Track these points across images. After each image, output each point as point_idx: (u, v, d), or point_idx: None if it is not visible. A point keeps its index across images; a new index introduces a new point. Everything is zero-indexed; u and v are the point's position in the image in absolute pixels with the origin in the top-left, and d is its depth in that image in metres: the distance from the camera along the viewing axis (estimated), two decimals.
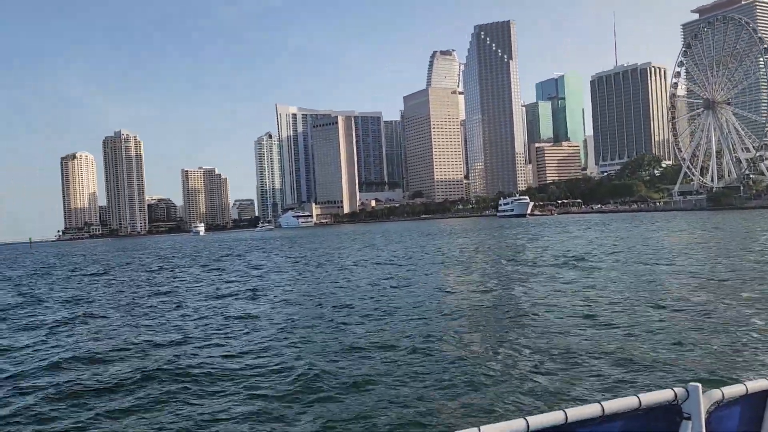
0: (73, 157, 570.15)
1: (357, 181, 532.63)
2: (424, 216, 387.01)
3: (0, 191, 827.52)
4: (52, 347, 19.66)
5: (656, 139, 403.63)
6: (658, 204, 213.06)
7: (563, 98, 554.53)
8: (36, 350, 19.26)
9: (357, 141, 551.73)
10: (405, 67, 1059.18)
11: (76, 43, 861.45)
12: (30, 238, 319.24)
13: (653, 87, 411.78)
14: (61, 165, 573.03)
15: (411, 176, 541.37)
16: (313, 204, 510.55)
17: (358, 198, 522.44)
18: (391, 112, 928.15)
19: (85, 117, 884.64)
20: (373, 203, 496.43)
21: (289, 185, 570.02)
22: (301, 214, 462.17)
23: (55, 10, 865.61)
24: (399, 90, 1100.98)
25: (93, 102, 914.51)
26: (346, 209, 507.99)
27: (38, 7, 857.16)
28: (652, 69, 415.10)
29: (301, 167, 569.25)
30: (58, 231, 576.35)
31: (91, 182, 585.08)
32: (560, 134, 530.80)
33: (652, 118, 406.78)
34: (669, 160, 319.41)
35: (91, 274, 58.74)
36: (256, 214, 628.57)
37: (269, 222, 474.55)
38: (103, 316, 26.81)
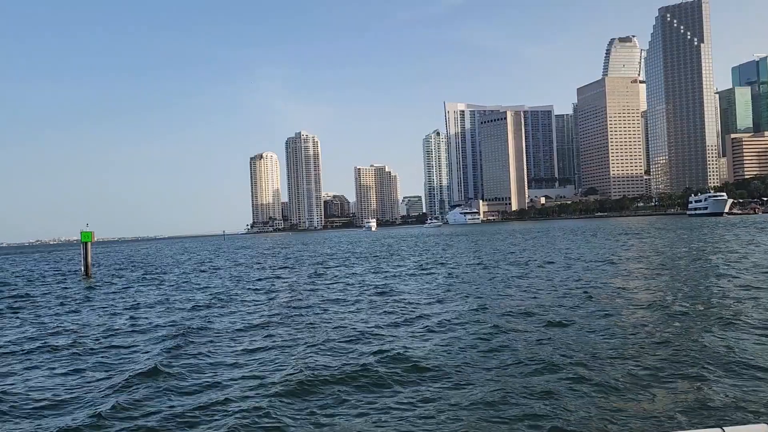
0: (260, 157, 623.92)
1: (526, 178, 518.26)
2: (598, 214, 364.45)
3: (198, 188, 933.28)
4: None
5: None
6: None
7: (765, 83, 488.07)
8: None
9: (526, 136, 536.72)
10: (578, 58, 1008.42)
11: (268, 49, 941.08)
12: (224, 231, 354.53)
13: None
14: (250, 164, 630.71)
15: (584, 172, 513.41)
16: (480, 201, 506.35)
17: (526, 195, 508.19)
18: (563, 106, 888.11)
19: (271, 119, 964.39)
20: (543, 200, 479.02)
21: (456, 182, 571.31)
22: (468, 211, 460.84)
23: (254, 20, 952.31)
24: (571, 82, 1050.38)
25: (278, 104, 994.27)
26: (514, 206, 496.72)
27: (240, 17, 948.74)
28: None
29: (468, 164, 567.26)
30: (247, 225, 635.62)
31: (275, 180, 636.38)
32: (761, 123, 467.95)
33: None
34: None
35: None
36: (424, 210, 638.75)
37: (437, 218, 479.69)
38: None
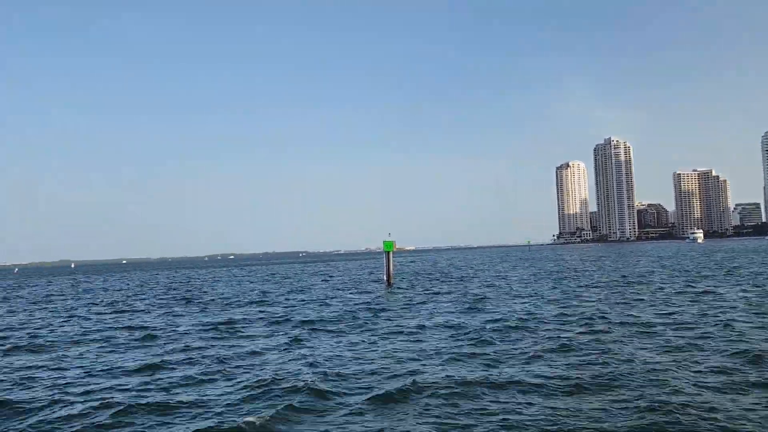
0: (567, 166, 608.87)
1: None
2: None
3: (503, 198, 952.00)
4: None
5: None
6: None
7: None
8: None
9: None
10: None
11: (574, 54, 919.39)
12: (528, 241, 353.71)
13: None
14: (556, 174, 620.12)
15: None
16: None
17: None
18: None
19: (580, 126, 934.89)
20: None
21: None
22: None
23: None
24: None
25: (584, 110, 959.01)
26: None
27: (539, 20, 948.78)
28: None
29: None
30: (553, 235, 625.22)
31: (582, 189, 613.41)
32: None
33: None
34: None
35: None
36: (763, 219, 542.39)
37: None
38: None
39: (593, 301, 36.10)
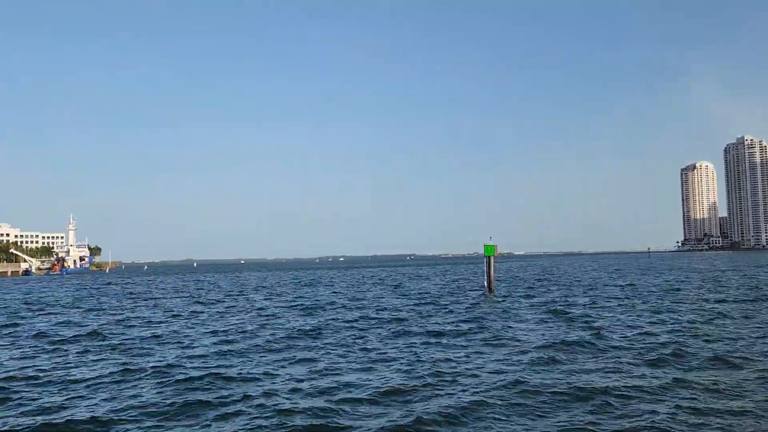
0: (693, 167, 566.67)
1: None
2: None
3: (620, 201, 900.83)
4: None
5: None
6: None
7: None
8: None
9: None
10: None
11: (700, 46, 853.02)
12: (648, 248, 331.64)
13: None
14: (681, 175, 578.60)
15: None
16: None
17: None
18: None
19: (706, 124, 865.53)
20: None
21: None
22: None
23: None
24: None
25: (712, 107, 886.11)
26: None
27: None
28: None
29: None
30: (677, 242, 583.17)
31: (711, 192, 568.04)
32: None
33: None
34: None
35: None
36: None
37: None
38: None
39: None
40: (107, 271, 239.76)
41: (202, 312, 42.45)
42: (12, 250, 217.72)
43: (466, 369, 18.97)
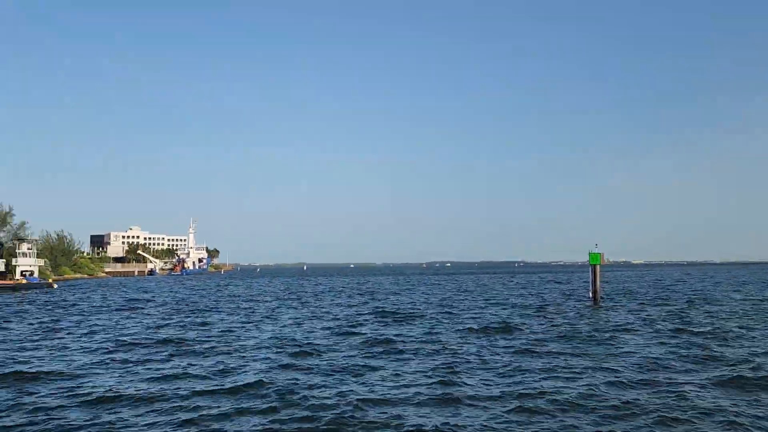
0: None
1: None
2: None
3: (754, 205, 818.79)
4: None
5: None
6: None
7: None
8: None
9: None
10: None
11: None
12: None
13: None
14: None
15: None
16: None
17: None
18: None
19: None
20: None
21: None
22: None
23: None
24: None
25: None
26: None
27: None
28: None
29: None
30: None
31: None
32: None
33: None
34: None
35: None
36: None
37: None
38: None
39: None
40: (222, 272, 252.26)
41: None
42: (140, 251, 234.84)
43: None
